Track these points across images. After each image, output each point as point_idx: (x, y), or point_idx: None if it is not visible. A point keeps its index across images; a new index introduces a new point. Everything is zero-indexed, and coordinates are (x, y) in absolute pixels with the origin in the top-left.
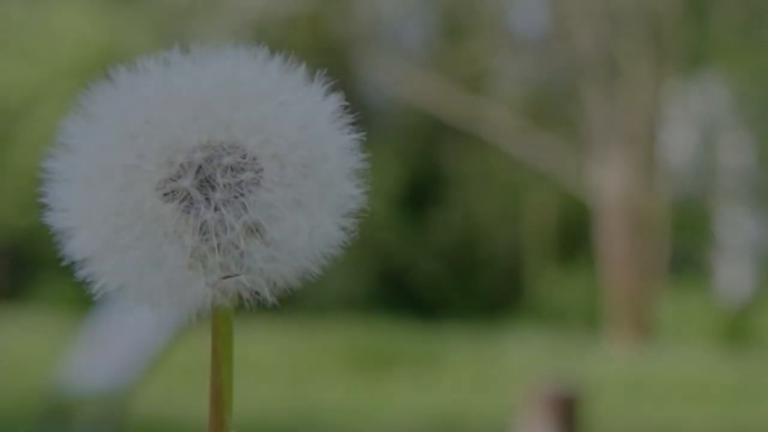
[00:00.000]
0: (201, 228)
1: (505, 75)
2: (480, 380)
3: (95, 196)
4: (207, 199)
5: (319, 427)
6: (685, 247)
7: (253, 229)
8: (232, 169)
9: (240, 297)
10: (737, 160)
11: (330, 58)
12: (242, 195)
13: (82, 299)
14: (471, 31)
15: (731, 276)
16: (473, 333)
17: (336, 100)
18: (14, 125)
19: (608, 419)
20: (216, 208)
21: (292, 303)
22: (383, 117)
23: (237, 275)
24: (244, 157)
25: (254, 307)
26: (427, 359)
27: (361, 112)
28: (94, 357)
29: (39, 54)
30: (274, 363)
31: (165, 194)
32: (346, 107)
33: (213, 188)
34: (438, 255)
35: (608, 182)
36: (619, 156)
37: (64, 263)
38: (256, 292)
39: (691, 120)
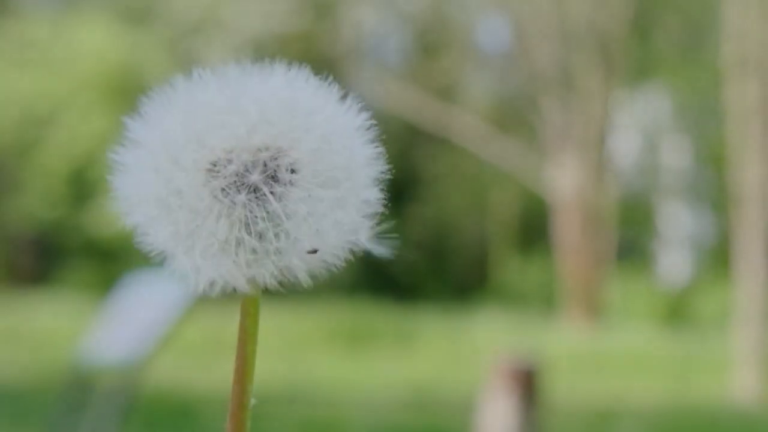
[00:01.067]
0: (250, 217)
1: (473, 86)
2: (450, 355)
3: (164, 184)
4: (256, 194)
5: (310, 394)
6: (630, 238)
7: (285, 221)
8: (275, 170)
9: (272, 281)
10: (676, 161)
11: (319, 71)
12: (281, 194)
13: (101, 283)
14: (442, 48)
15: (671, 263)
16: (445, 313)
17: (364, 117)
18: (41, 131)
19: (564, 389)
20: (260, 204)
21: (286, 286)
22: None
23: (275, 259)
24: (281, 159)
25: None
26: (404, 336)
27: None
28: (112, 334)
29: (63, 68)
30: (271, 340)
31: (223, 189)
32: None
33: (258, 186)
34: (414, 244)
35: (563, 181)
36: (572, 158)
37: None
38: (287, 277)
39: (636, 126)
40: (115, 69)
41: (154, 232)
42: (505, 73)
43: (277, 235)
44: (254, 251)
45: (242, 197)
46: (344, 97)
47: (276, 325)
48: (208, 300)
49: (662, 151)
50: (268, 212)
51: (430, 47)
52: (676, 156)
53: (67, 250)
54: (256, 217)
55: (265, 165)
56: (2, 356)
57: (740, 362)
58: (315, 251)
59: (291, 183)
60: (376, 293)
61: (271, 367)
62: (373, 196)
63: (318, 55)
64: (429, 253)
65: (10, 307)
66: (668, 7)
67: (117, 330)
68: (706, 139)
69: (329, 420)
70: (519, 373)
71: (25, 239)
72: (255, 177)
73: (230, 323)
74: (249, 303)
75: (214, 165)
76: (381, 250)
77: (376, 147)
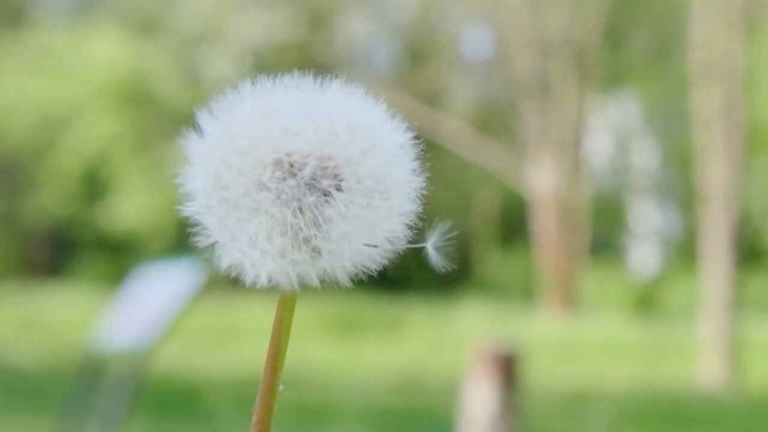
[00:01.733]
0: (309, 221)
1: (457, 92)
2: (436, 342)
3: (231, 182)
4: (317, 200)
5: (305, 379)
6: (603, 233)
7: (339, 227)
8: (335, 178)
9: (312, 278)
10: (646, 162)
11: (316, 76)
12: (328, 198)
13: (112, 275)
14: (429, 57)
15: (641, 257)
16: (431, 304)
17: (409, 134)
18: (56, 133)
19: (541, 374)
20: (319, 209)
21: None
22: None
23: (324, 261)
24: (341, 169)
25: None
26: (393, 325)
27: None
28: (122, 322)
29: (77, 75)
30: (269, 328)
31: (287, 191)
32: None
33: (308, 189)
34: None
35: (541, 180)
36: (550, 159)
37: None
38: (329, 278)
39: (609, 129)
40: (125, 76)
41: (214, 226)
42: (488, 80)
43: (330, 240)
44: (308, 253)
45: (309, 200)
46: (393, 116)
47: (271, 315)
48: (211, 291)
49: (633, 153)
50: (325, 218)
51: (418, 56)
52: (645, 157)
53: (80, 244)
54: (315, 221)
55: (327, 174)
56: (19, 343)
57: (705, 349)
58: (363, 255)
59: (347, 192)
60: (366, 285)
61: (265, 354)
62: (415, 208)
63: (313, 63)
64: (416, 248)
65: (26, 298)
66: (638, 19)
67: (127, 318)
68: (673, 142)
69: (322, 402)
70: (500, 359)
71: (41, 234)
72: (324, 182)
73: (232, 312)
74: (288, 297)
75: (284, 168)
76: (438, 260)
77: (418, 163)
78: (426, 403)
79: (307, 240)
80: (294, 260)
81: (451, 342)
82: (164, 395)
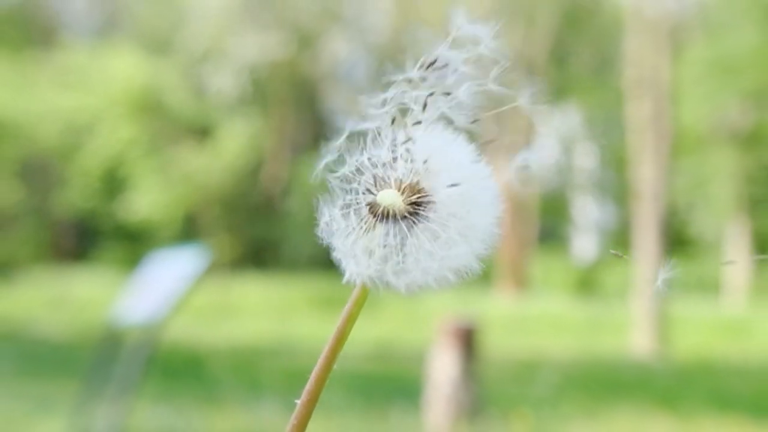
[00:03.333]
0: (401, 239)
1: None
2: (406, 318)
3: (348, 204)
4: (393, 222)
5: (294, 348)
6: (549, 225)
7: (426, 247)
8: (426, 205)
9: (390, 286)
10: (586, 163)
11: (304, 90)
12: (417, 223)
13: (129, 260)
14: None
15: (582, 244)
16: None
17: (492, 171)
18: (80, 138)
19: (496, 345)
20: (397, 230)
21: (275, 262)
22: (339, 133)
23: (410, 272)
24: (431, 197)
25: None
26: (370, 302)
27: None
28: (137, 300)
29: (98, 88)
30: (263, 305)
31: (374, 215)
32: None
33: (413, 218)
34: None
35: (497, 179)
36: (504, 160)
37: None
38: (410, 288)
39: (555, 135)
40: (139, 89)
41: (333, 234)
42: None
43: (412, 256)
44: (395, 264)
45: (403, 224)
46: (479, 152)
47: (266, 294)
48: (212, 273)
49: (575, 155)
50: (414, 238)
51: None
52: (586, 159)
53: (102, 233)
54: (398, 243)
55: (419, 202)
56: (49, 318)
57: (637, 324)
58: (431, 278)
59: (428, 219)
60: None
61: (263, 327)
62: (492, 238)
63: (301, 78)
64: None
65: (55, 279)
66: (580, 40)
67: (141, 297)
68: (610, 146)
69: (309, 368)
70: (461, 332)
71: (68, 224)
72: (411, 210)
73: (230, 292)
74: (362, 294)
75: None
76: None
77: (500, 200)
78: (398, 369)
79: (391, 254)
80: (380, 269)
81: (419, 318)
82: (173, 362)
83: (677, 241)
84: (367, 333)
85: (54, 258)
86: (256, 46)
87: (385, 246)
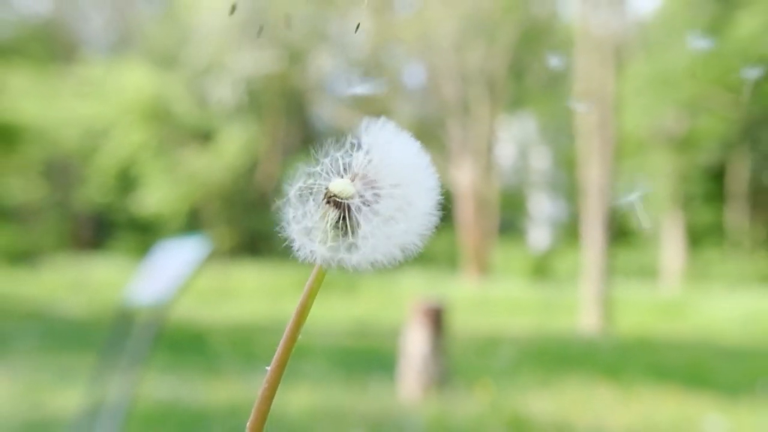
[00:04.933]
0: (349, 225)
1: (400, 112)
2: (383, 299)
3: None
4: (345, 207)
5: (283, 326)
6: (509, 218)
7: (371, 226)
8: (373, 193)
9: (342, 262)
10: (541, 164)
11: (293, 99)
12: (365, 207)
13: (140, 249)
14: (380, 84)
15: (537, 235)
16: (379, 270)
17: (437, 178)
18: (97, 141)
19: (462, 323)
20: (346, 212)
21: (269, 249)
22: (324, 137)
23: (357, 251)
24: (378, 189)
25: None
26: (351, 286)
27: (311, 133)
28: (147, 284)
29: (112, 98)
30: (257, 288)
31: (327, 202)
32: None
33: (357, 206)
34: None
35: (462, 178)
36: (469, 162)
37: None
38: (356, 265)
39: (513, 140)
40: (149, 99)
41: (292, 226)
42: (422, 103)
43: (362, 236)
44: (347, 243)
45: (353, 208)
46: (429, 160)
47: (260, 278)
48: (213, 260)
49: (531, 158)
50: (358, 222)
51: (371, 83)
52: (540, 161)
53: (116, 224)
54: (350, 226)
55: (365, 192)
56: (69, 299)
57: (585, 305)
58: (381, 256)
59: (376, 203)
60: None
61: (257, 307)
62: (430, 221)
63: (291, 89)
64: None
65: (75, 265)
66: (535, 56)
67: (150, 281)
68: (561, 150)
69: (298, 343)
70: (431, 312)
71: (86, 217)
72: (355, 201)
73: (229, 276)
74: (320, 272)
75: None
76: None
77: (437, 184)
78: (375, 344)
79: (341, 237)
80: (332, 250)
81: (394, 299)
82: (178, 338)
83: (620, 232)
84: (347, 313)
85: (74, 246)
86: (252, 62)
87: (337, 228)
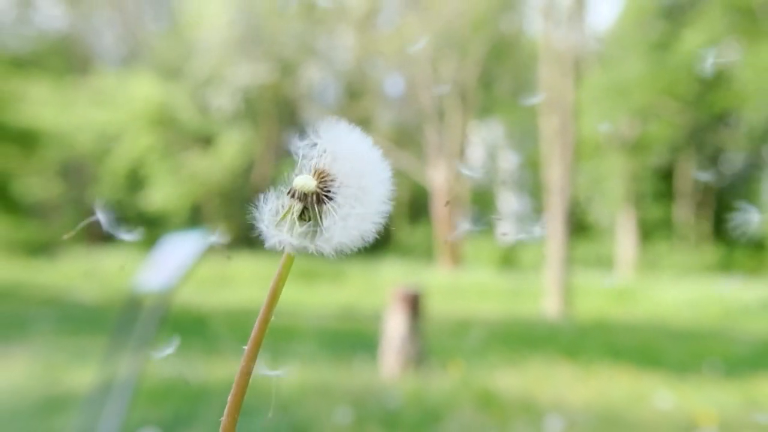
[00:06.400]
0: (312, 215)
1: (381, 118)
2: (367, 286)
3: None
4: (308, 200)
5: (276, 310)
6: (479, 213)
7: (323, 216)
8: (331, 186)
9: (310, 251)
10: (507, 165)
11: (285, 107)
12: (326, 198)
13: (148, 241)
14: (362, 94)
15: (504, 229)
16: (363, 260)
17: (389, 170)
18: (109, 144)
19: (437, 308)
20: (309, 205)
21: (262, 243)
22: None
23: (317, 240)
24: (336, 181)
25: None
26: (338, 274)
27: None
28: (154, 272)
29: (123, 106)
30: (253, 276)
31: (293, 197)
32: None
33: (316, 197)
34: None
35: (437, 178)
36: (443, 163)
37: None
38: (318, 250)
39: (483, 144)
40: (156, 107)
41: (264, 220)
42: (401, 110)
43: (324, 224)
44: (305, 234)
45: (314, 200)
46: (380, 153)
47: (254, 267)
48: (213, 251)
49: (499, 159)
50: (318, 213)
51: (354, 93)
52: (507, 162)
53: (126, 219)
54: (312, 216)
55: (325, 186)
56: (83, 287)
57: (548, 291)
58: (343, 241)
59: (335, 195)
60: None
61: (253, 294)
62: (386, 207)
63: (283, 98)
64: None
65: (89, 256)
66: (503, 68)
67: (157, 270)
68: (526, 152)
69: (289, 326)
70: (409, 298)
71: (99, 212)
72: (317, 194)
73: (228, 266)
74: (288, 259)
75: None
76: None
77: (390, 174)
78: (359, 327)
79: (304, 227)
80: (296, 238)
81: (376, 286)
82: (182, 321)
83: (579, 226)
84: (334, 299)
85: (88, 239)
86: (249, 73)
87: (303, 219)
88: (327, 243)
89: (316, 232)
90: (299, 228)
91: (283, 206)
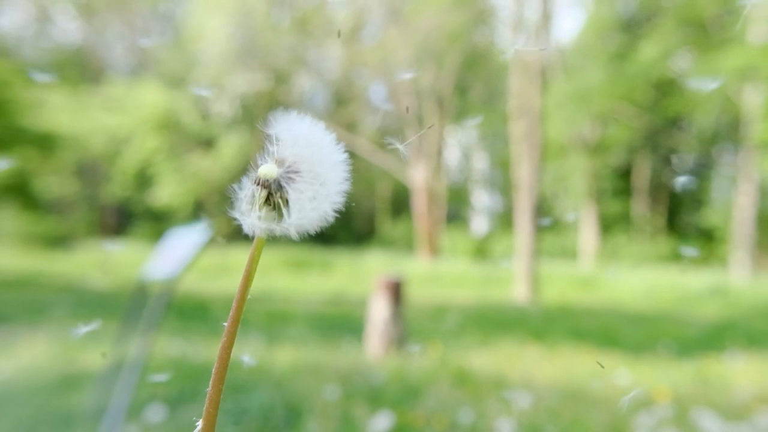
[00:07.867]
0: (276, 201)
1: (366, 122)
2: (353, 275)
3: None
4: (272, 187)
5: (271, 297)
6: (455, 208)
7: (286, 201)
8: (290, 173)
9: (277, 233)
10: (481, 165)
11: (279, 113)
12: (288, 185)
13: (155, 234)
14: (348, 100)
15: (478, 223)
16: (351, 251)
17: (344, 154)
18: (120, 146)
19: (417, 294)
20: (273, 191)
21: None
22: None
23: (281, 223)
24: (295, 167)
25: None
26: (327, 264)
27: None
28: (160, 263)
29: (133, 111)
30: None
31: (258, 184)
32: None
33: (278, 183)
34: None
35: (417, 176)
36: (423, 163)
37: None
38: (284, 232)
39: (458, 146)
40: (162, 112)
41: (238, 208)
42: (384, 115)
43: (288, 208)
44: (271, 218)
45: (260, 188)
46: (336, 141)
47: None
48: (214, 243)
49: (473, 160)
50: (281, 198)
51: (342, 100)
52: (480, 162)
53: (135, 214)
54: (276, 201)
55: (291, 174)
56: (97, 275)
57: (517, 279)
58: (305, 223)
59: (295, 180)
60: (310, 238)
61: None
62: (342, 189)
63: (277, 104)
64: (342, 216)
65: (102, 247)
66: (476, 77)
67: (163, 260)
68: (497, 153)
69: (283, 311)
70: (392, 285)
71: (111, 208)
72: (276, 182)
73: (227, 256)
74: (259, 242)
75: (263, 173)
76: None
77: (346, 162)
78: (347, 311)
79: (270, 212)
80: (264, 222)
81: (362, 275)
82: (185, 307)
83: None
84: (323, 286)
85: (101, 232)
86: (246, 82)
87: (268, 204)
88: (291, 225)
89: (280, 215)
90: (266, 213)
91: (252, 194)
